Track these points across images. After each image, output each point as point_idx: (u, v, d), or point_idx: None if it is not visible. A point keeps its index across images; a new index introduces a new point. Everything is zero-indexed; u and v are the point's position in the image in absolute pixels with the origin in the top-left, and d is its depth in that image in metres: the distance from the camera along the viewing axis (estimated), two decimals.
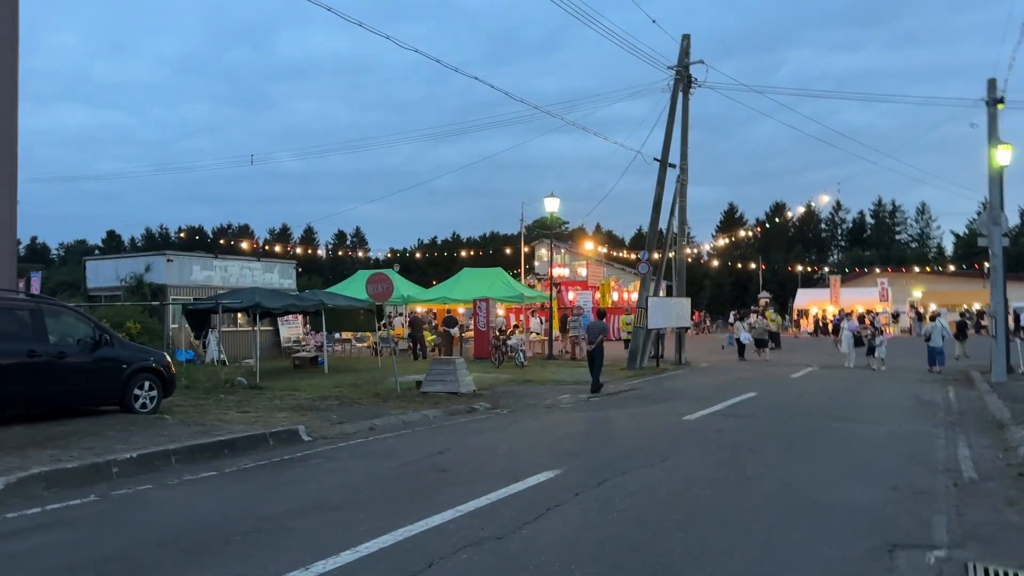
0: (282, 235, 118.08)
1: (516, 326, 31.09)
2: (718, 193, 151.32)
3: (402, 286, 32.09)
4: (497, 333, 29.22)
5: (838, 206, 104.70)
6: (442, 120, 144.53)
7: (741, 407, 14.66)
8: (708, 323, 61.85)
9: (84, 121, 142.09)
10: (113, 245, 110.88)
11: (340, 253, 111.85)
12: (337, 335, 31.02)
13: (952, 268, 67.18)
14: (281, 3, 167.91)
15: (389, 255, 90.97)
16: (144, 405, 12.12)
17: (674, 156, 26.97)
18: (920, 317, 46.69)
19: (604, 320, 19.92)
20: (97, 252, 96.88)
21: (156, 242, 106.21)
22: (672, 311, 25.90)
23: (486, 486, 7.57)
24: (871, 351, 23.97)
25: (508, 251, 57.27)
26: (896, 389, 18.33)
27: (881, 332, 24.92)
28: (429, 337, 30.50)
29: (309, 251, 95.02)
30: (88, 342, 11.63)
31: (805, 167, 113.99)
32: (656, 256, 26.36)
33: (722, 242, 64.98)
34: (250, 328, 29.16)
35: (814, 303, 55.57)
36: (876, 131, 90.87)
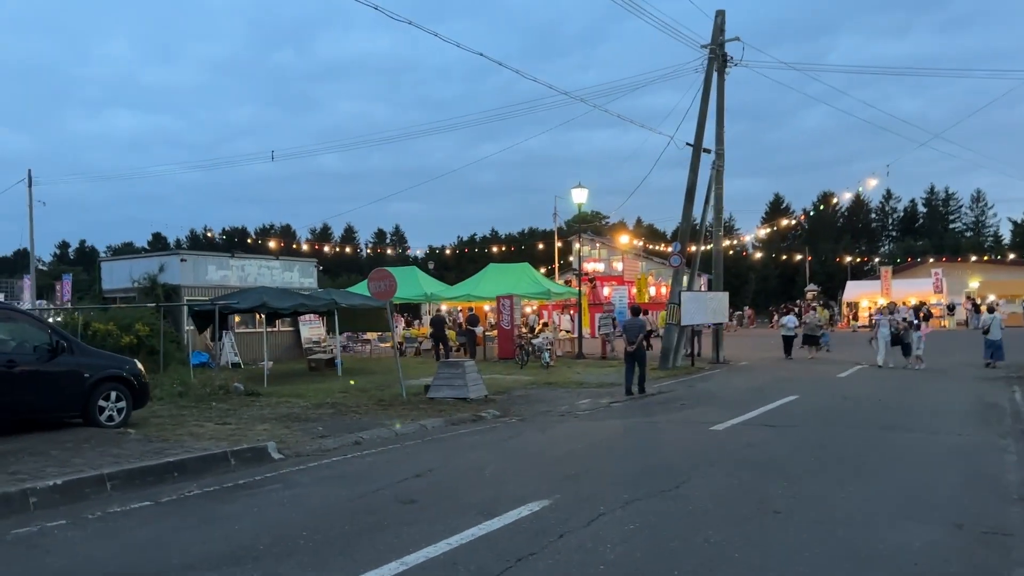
0: (323, 234, 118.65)
1: (545, 323, 29.72)
2: (764, 185, 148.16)
3: (425, 283, 30.94)
4: (524, 331, 27.92)
5: (888, 195, 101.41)
6: (481, 118, 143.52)
7: (778, 414, 13.12)
8: (752, 319, 59.65)
9: (132, 125, 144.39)
10: (159, 247, 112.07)
11: (379, 251, 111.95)
12: (361, 335, 29.91)
13: (1012, 256, 63.86)
14: (322, 5, 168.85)
15: (427, 252, 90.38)
16: (111, 418, 11.05)
17: (709, 141, 25.40)
18: (976, 309, 44.10)
19: (642, 316, 18.37)
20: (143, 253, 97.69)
21: (200, 243, 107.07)
22: (708, 306, 24.30)
23: (452, 524, 6.25)
24: (907, 350, 21.84)
25: (541, 246, 55.87)
26: (954, 389, 16.57)
27: (917, 326, 22.59)
28: (453, 336, 29.30)
29: (347, 249, 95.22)
30: (44, 349, 10.58)
31: (854, 156, 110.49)
32: (691, 248, 24.76)
33: (763, 232, 62.56)
34: (273, 329, 28.40)
35: (864, 295, 53.07)
36: (927, 118, 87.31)
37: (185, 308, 22.98)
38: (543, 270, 53.42)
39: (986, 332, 22.53)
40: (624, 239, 48.97)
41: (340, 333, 27.72)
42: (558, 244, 49.90)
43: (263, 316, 22.86)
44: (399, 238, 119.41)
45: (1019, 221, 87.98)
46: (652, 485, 7.67)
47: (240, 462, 9.09)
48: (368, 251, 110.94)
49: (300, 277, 29.50)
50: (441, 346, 27.25)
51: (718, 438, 10.67)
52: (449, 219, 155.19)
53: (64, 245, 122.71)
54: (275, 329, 28.11)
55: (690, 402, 15.13)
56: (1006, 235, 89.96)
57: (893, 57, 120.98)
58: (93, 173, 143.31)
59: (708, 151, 25.15)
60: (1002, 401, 14.58)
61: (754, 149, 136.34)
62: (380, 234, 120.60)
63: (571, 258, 55.08)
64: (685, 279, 24.45)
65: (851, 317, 52.51)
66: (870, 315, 45.15)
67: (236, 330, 26.89)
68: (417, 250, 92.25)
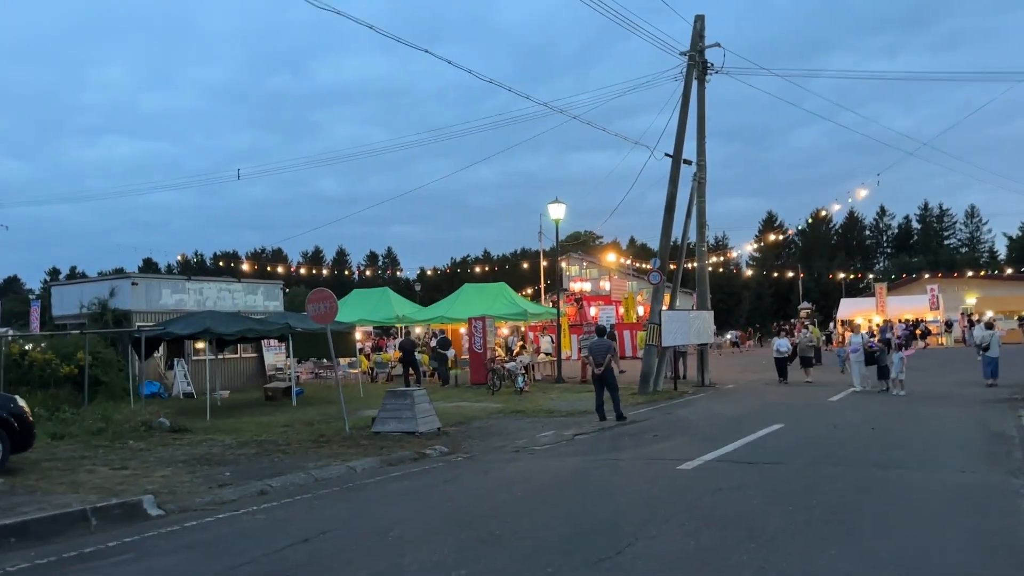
0: (315, 257, 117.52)
1: (523, 345, 28.22)
2: (759, 204, 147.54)
3: (397, 305, 29.46)
4: (500, 354, 26.42)
5: (882, 211, 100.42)
6: (477, 141, 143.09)
7: (758, 447, 11.61)
8: (749, 340, 58.07)
9: (131, 152, 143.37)
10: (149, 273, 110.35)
11: (368, 273, 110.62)
12: (324, 361, 28.30)
13: (1010, 271, 62.56)
14: (319, 30, 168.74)
15: (419, 273, 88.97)
16: None
17: (690, 152, 24.09)
18: (972, 325, 42.66)
19: (608, 336, 16.91)
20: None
21: (192, 268, 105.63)
22: (691, 325, 22.81)
23: None
24: (883, 372, 19.93)
25: (526, 266, 54.54)
26: (954, 414, 15.08)
27: (898, 346, 19.90)
28: (427, 360, 27.77)
29: (336, 272, 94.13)
30: None
31: (847, 174, 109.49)
32: (672, 265, 23.35)
33: (750, 248, 61.20)
34: (235, 356, 26.86)
35: (859, 313, 51.60)
36: (919, 136, 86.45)
37: (133, 335, 21.43)
38: (529, 291, 52.03)
39: (986, 349, 21.20)
40: (612, 257, 47.50)
41: (305, 359, 26.24)
42: (543, 263, 48.44)
43: (210, 343, 21.36)
44: (392, 260, 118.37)
45: (1015, 236, 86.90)
46: (587, 552, 6.16)
47: (105, 521, 7.56)
48: (359, 273, 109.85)
49: (265, 300, 27.99)
50: (410, 371, 25.73)
51: (683, 481, 9.16)
52: (445, 241, 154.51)
53: (54, 272, 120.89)
54: (235, 356, 26.60)
55: (664, 433, 13.62)
56: (1001, 250, 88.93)
57: (885, 76, 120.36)
58: (91, 199, 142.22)
59: (689, 162, 23.83)
60: (1008, 428, 13.10)
61: (749, 169, 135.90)
62: (372, 256, 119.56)
63: (574, 279, 53.62)
64: (667, 297, 23.00)
65: (847, 336, 51.06)
66: (842, 336, 43.92)
67: (194, 357, 25.37)
68: (408, 271, 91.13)
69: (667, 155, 22.85)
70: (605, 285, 48.64)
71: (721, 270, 73.30)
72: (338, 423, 14.70)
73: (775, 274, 72.65)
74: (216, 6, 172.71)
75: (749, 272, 77.02)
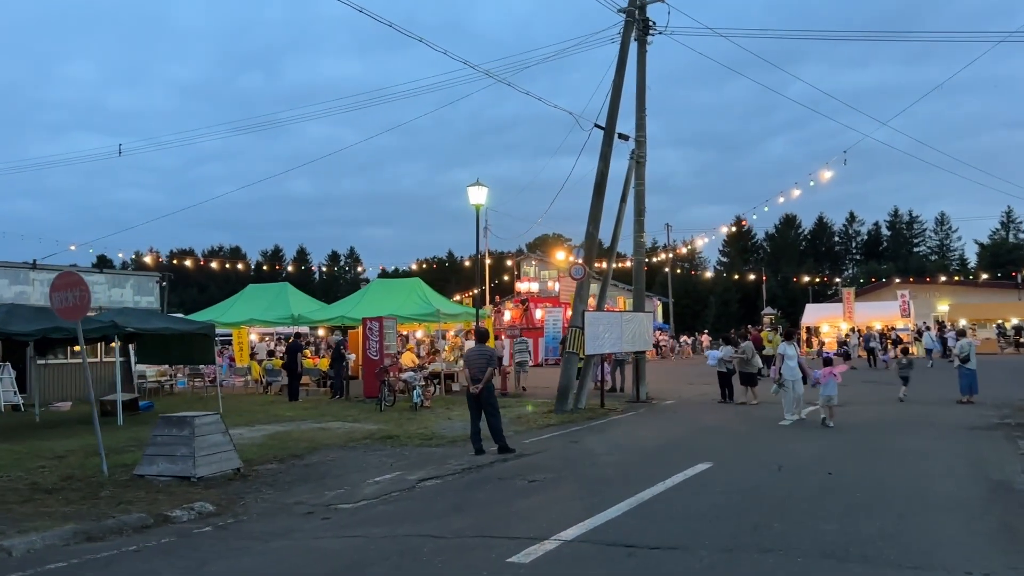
0: (274, 256, 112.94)
1: (436, 351, 24.42)
2: (731, 211, 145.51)
3: (296, 304, 25.51)
4: (410, 360, 22.60)
5: (852, 218, 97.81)
6: (452, 144, 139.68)
7: (658, 512, 7.87)
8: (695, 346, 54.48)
9: (98, 149, 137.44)
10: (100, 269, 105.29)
11: (326, 271, 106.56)
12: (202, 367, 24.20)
13: (985, 277, 59.72)
14: (291, 29, 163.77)
15: (379, 274, 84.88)
16: None
17: (629, 127, 20.46)
18: (942, 334, 39.49)
19: (489, 343, 13.12)
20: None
21: (146, 265, 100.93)
22: (624, 330, 19.10)
23: None
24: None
25: (467, 263, 50.80)
26: (939, 449, 11.46)
27: (827, 360, 15.90)
28: (325, 366, 23.83)
29: (301, 268, 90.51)
30: None
31: (819, 185, 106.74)
32: (600, 257, 19.68)
33: (700, 243, 57.87)
34: (95, 360, 22.71)
35: (825, 320, 48.32)
36: (890, 146, 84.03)
37: None
38: (472, 292, 48.22)
39: (965, 361, 17.90)
40: (560, 255, 43.80)
41: (158, 364, 22.27)
42: (488, 262, 44.61)
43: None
44: (354, 260, 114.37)
45: (985, 243, 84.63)
46: None
47: None
48: (320, 273, 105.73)
49: (135, 295, 23.94)
50: (297, 382, 21.81)
51: None
52: (416, 243, 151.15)
53: None
54: (95, 360, 22.45)
55: (547, 476, 9.86)
56: (972, 258, 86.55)
57: (856, 86, 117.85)
58: (59, 197, 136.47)
59: (626, 137, 20.19)
60: (1014, 475, 9.48)
61: (722, 177, 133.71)
62: (334, 256, 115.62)
63: (519, 277, 49.76)
64: (593, 297, 19.31)
65: (814, 344, 47.69)
66: (818, 345, 40.61)
67: (39, 361, 21.28)
68: (371, 271, 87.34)
69: (597, 126, 19.18)
70: (555, 286, 44.90)
71: (679, 272, 70.14)
72: (112, 458, 10.77)
73: (735, 276, 69.39)
74: (188, 1, 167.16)
75: (708, 274, 73.85)
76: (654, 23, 20.62)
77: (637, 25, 20.09)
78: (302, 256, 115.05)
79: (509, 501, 8.50)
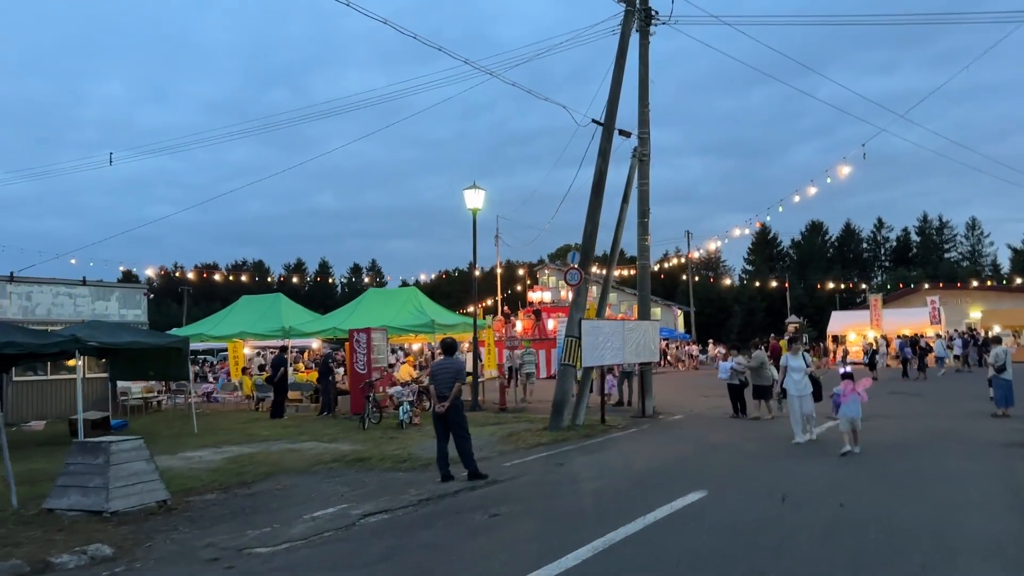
0: (297, 269, 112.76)
1: (421, 365, 23.19)
2: (756, 221, 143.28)
3: (288, 315, 24.40)
4: (408, 374, 21.42)
5: (880, 224, 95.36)
6: (475, 155, 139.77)
7: (635, 551, 6.54)
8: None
9: (130, 167, 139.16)
10: None
11: (346, 283, 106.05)
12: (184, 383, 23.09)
13: (1020, 281, 57.35)
14: (317, 45, 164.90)
15: (400, 285, 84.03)
16: None
17: (631, 123, 19.16)
18: (975, 341, 37.52)
19: (458, 355, 11.81)
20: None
21: (172, 280, 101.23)
22: (627, 339, 17.74)
23: None
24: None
25: (478, 273, 49.61)
26: (971, 472, 9.94)
27: (846, 375, 12.60)
28: (315, 378, 22.65)
29: (319, 279, 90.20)
30: None
31: (845, 190, 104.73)
32: (596, 266, 18.33)
33: (713, 245, 56.41)
34: (71, 376, 21.74)
35: (852, 327, 46.43)
36: (919, 152, 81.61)
37: None
38: (487, 302, 47.03)
39: (1001, 370, 16.37)
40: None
41: (134, 380, 21.23)
42: (499, 271, 43.39)
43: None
44: (377, 273, 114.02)
45: (1019, 247, 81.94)
46: None
47: None
48: (341, 286, 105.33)
49: (120, 308, 22.99)
50: (283, 397, 20.68)
51: None
52: (438, 255, 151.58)
53: None
54: (73, 376, 21.46)
55: (511, 511, 8.54)
56: (1005, 264, 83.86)
57: (882, 91, 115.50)
58: (91, 215, 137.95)
59: (628, 134, 18.89)
60: None
61: (747, 185, 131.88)
62: (356, 269, 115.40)
63: (532, 287, 48.48)
64: (596, 303, 17.97)
65: (839, 353, 45.86)
66: (834, 355, 38.82)
67: (16, 378, 20.39)
68: (394, 283, 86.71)
69: (595, 121, 17.89)
70: (568, 295, 43.47)
71: (698, 280, 68.54)
72: (28, 488, 9.63)
73: (755, 284, 67.60)
74: (214, 20, 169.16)
75: (728, 282, 72.22)
76: (656, 13, 19.37)
77: (638, 15, 18.83)
78: (324, 269, 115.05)
79: (455, 544, 7.20)
